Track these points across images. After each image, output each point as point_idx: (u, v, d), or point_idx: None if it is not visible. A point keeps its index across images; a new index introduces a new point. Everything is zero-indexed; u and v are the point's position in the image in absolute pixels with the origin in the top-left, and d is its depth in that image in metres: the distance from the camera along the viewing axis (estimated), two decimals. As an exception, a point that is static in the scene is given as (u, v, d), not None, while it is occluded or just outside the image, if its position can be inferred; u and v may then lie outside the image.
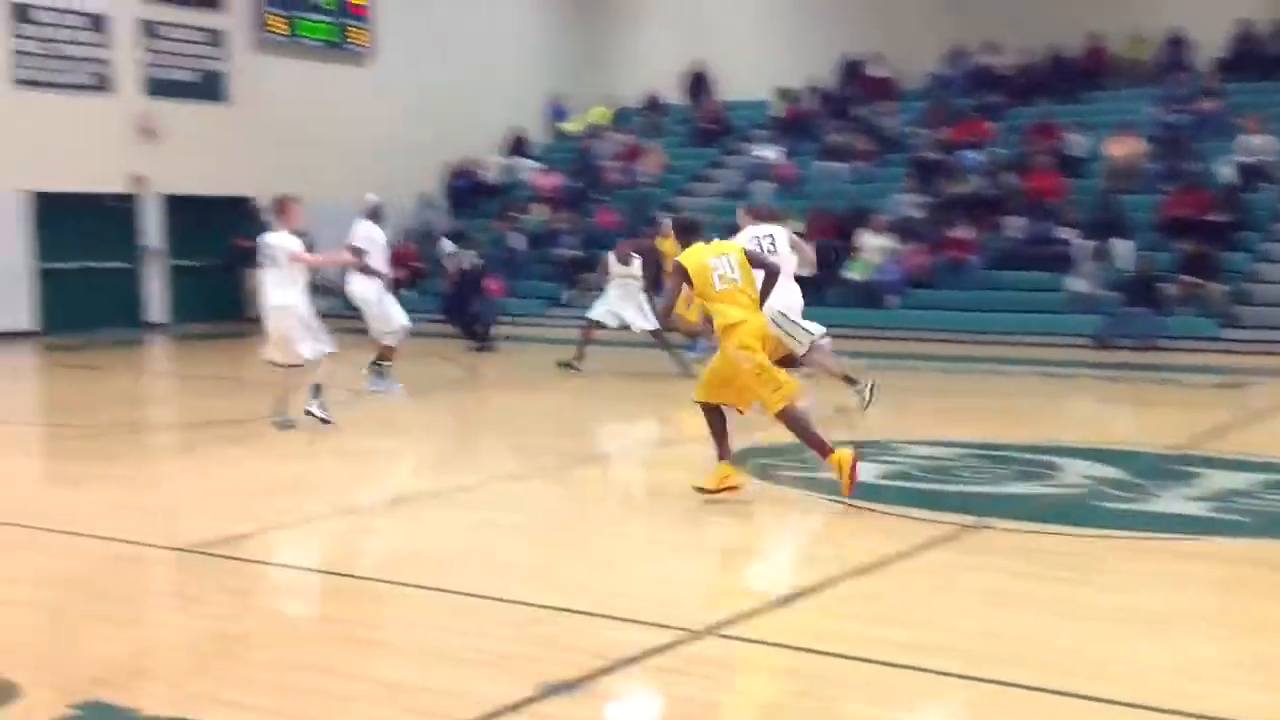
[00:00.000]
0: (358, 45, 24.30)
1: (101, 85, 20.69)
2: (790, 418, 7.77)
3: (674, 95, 27.22)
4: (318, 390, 10.65)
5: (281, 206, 10.84)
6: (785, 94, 25.41)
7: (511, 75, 26.97)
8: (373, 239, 12.79)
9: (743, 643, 5.33)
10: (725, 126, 25.98)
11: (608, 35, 28.66)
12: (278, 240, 10.57)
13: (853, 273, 19.67)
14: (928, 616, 5.64)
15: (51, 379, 16.62)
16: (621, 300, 14.87)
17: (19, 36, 19.66)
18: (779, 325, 9.60)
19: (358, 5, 24.20)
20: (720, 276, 7.80)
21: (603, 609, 5.74)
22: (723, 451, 7.89)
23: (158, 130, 21.18)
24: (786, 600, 5.96)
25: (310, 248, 11.55)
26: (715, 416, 7.94)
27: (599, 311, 14.97)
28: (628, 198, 24.00)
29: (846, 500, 7.59)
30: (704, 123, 26.15)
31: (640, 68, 27.86)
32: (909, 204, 20.95)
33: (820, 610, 5.83)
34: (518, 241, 23.70)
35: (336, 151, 23.36)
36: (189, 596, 6.33)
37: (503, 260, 23.21)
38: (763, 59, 26.13)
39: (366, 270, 12.53)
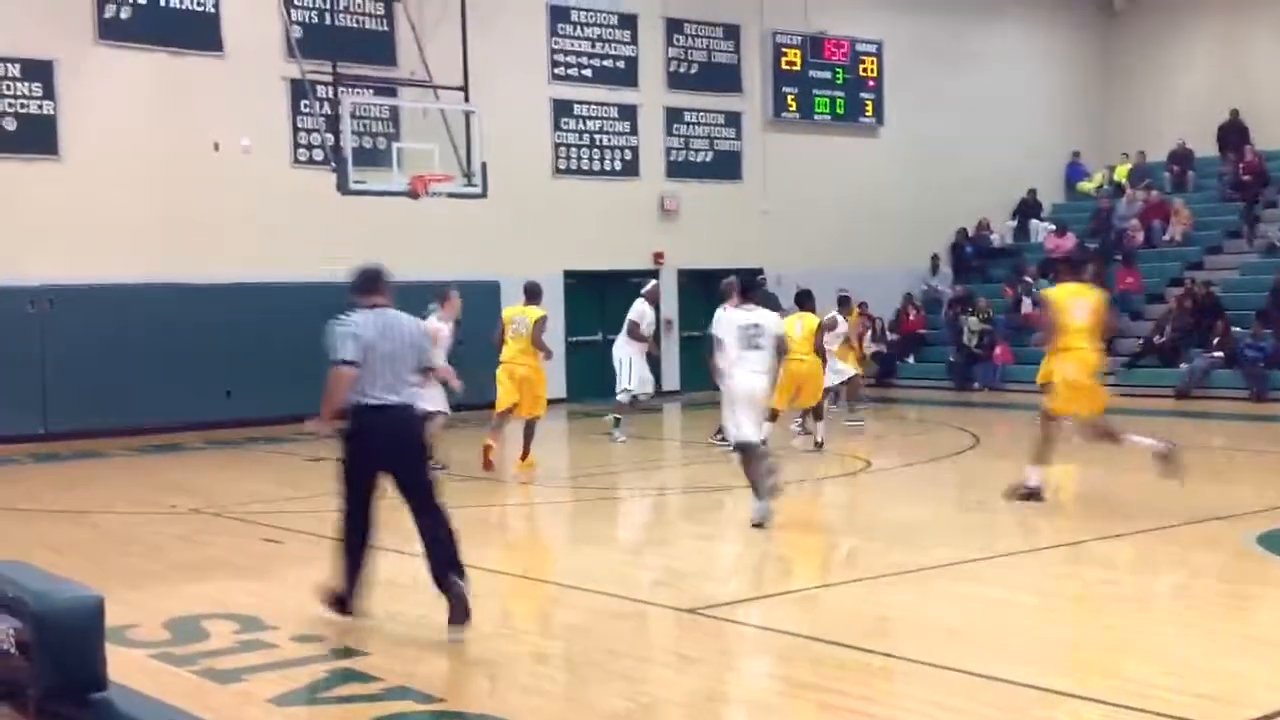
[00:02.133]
0: (867, 116, 24.55)
1: (630, 170, 22.18)
2: None
3: (1203, 148, 25.33)
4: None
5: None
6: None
7: (1024, 136, 26.20)
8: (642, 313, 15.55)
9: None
10: (1264, 178, 23.79)
11: (1131, 90, 27.19)
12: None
13: None
14: None
15: (570, 441, 17.70)
16: None
17: (559, 130, 21.50)
18: None
19: (869, 77, 24.47)
20: None
21: (1119, 698, 5.23)
22: None
23: (676, 209, 22.39)
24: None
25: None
26: None
27: None
28: (1151, 258, 22.50)
29: None
30: (1241, 175, 24.10)
31: (1166, 122, 26.18)
32: None
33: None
34: (1029, 306, 22.80)
35: (845, 221, 23.64)
36: (687, 656, 6.43)
37: (1012, 325, 22.48)
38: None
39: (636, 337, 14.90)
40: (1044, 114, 26.74)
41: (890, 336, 23.87)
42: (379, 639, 6.56)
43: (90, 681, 2.87)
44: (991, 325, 22.29)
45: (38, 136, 16.85)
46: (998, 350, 21.86)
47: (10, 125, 16.73)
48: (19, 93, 16.80)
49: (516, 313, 13.34)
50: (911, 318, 24.11)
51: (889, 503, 11.14)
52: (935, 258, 25.29)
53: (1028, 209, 26.25)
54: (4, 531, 10.68)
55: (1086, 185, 26.69)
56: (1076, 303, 10.06)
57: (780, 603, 7.58)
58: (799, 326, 13.53)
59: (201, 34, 17.92)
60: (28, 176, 16.79)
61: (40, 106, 16.92)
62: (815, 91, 23.88)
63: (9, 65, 16.70)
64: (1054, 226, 24.99)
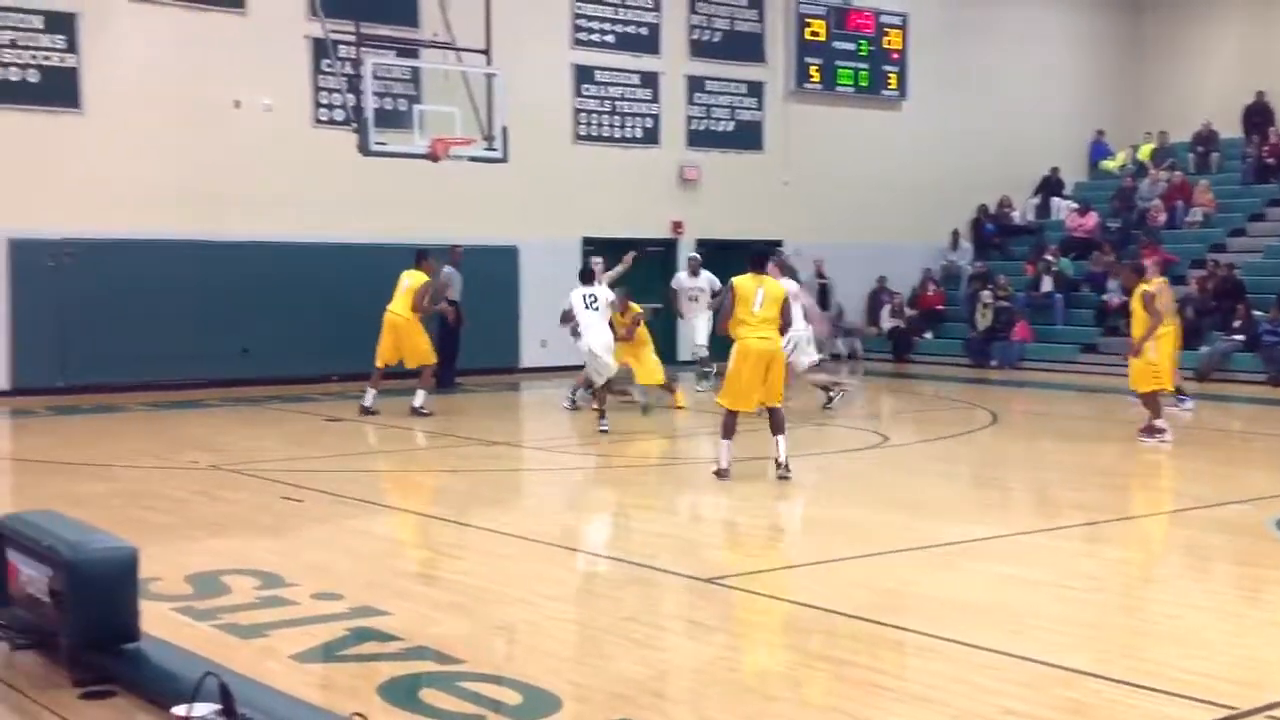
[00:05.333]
0: (890, 89, 24.38)
1: (650, 139, 22.07)
2: None
3: (1228, 129, 25.13)
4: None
5: None
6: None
7: (1048, 114, 26.02)
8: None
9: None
10: (1289, 161, 23.62)
11: (1158, 70, 26.96)
12: None
13: None
14: None
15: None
16: None
17: (580, 96, 21.40)
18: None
19: (893, 50, 24.30)
20: None
21: (1139, 678, 5.22)
22: None
23: (696, 179, 22.30)
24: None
25: None
26: None
27: None
28: (1173, 238, 22.38)
29: None
30: (1265, 158, 23.91)
31: (1191, 102, 25.97)
32: None
33: None
34: (1049, 285, 22.73)
35: (865, 195, 23.53)
36: (703, 624, 6.44)
37: (1033, 304, 22.40)
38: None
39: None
40: (1068, 92, 26.54)
41: (909, 312, 23.80)
42: (399, 599, 6.58)
43: (122, 632, 2.87)
44: (1011, 303, 22.19)
45: (60, 89, 16.83)
46: (1016, 328, 21.77)
47: (34, 77, 16.71)
48: (42, 44, 16.76)
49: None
50: (930, 293, 24.03)
51: (905, 478, 11.12)
52: (955, 233, 25.17)
53: (1050, 186, 26.09)
54: (26, 484, 10.74)
55: (1109, 164, 26.51)
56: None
57: (796, 574, 7.58)
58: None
59: (225, -10, 17.85)
60: (50, 129, 16.78)
61: (62, 59, 16.88)
62: (839, 63, 23.71)
63: (32, 17, 16.66)
64: (1076, 205, 24.86)
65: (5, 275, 15.99)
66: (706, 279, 17.01)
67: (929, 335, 23.51)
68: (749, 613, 6.78)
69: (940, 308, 23.95)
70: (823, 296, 23.02)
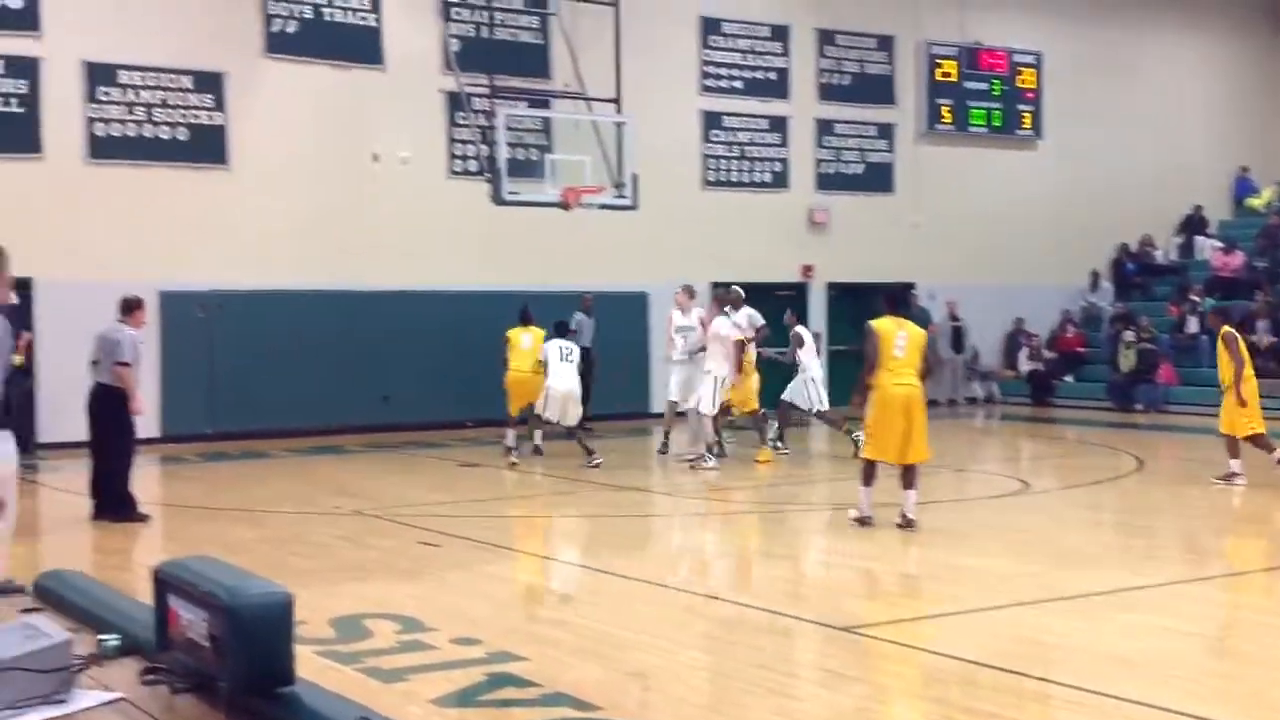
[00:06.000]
0: (1025, 128, 24.03)
1: (779, 183, 22.07)
2: None
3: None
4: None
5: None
6: None
7: (1189, 149, 25.36)
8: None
9: None
10: None
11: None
12: None
13: None
14: None
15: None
16: None
17: (709, 142, 21.51)
18: None
19: (1026, 88, 23.97)
20: None
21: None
22: None
23: (825, 222, 22.22)
24: None
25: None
26: None
27: None
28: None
29: None
30: None
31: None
32: None
33: None
34: (1194, 326, 22.07)
35: (1000, 236, 23.19)
36: (838, 673, 6.36)
37: (1178, 346, 21.77)
38: None
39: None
40: (1208, 127, 25.84)
41: (1047, 354, 23.31)
42: (535, 645, 6.63)
43: (279, 676, 2.95)
44: (1154, 344, 21.60)
45: (208, 146, 17.50)
46: (1161, 370, 21.17)
47: (183, 135, 17.41)
48: (191, 104, 17.46)
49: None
50: (1069, 335, 23.52)
51: (1047, 526, 10.86)
52: (1095, 274, 24.61)
53: (1193, 225, 25.40)
54: (178, 530, 11.11)
55: (1255, 201, 25.70)
56: None
57: (934, 624, 7.45)
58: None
59: (364, 47, 18.42)
60: (199, 185, 17.45)
61: (210, 117, 17.57)
62: (971, 103, 23.47)
63: (183, 77, 17.38)
64: (1221, 244, 24.14)
65: (156, 326, 16.61)
66: (746, 315, 15.35)
67: (1069, 378, 22.99)
68: (887, 662, 6.68)
69: (1080, 350, 23.42)
70: (957, 338, 22.73)
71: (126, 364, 10.68)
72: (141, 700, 3.16)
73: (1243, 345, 12.43)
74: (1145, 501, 12.51)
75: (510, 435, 14.68)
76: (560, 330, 14.74)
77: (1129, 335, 21.73)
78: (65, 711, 3.00)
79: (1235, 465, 12.17)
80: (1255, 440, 12.22)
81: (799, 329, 15.75)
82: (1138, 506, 12.25)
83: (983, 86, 23.59)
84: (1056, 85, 24.12)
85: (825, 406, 14.99)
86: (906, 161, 23.03)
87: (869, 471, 10.06)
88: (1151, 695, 5.58)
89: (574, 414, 14.18)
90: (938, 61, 23.14)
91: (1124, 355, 21.62)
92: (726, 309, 14.54)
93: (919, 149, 23.12)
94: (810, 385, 15.09)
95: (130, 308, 11.02)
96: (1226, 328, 12.53)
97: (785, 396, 15.20)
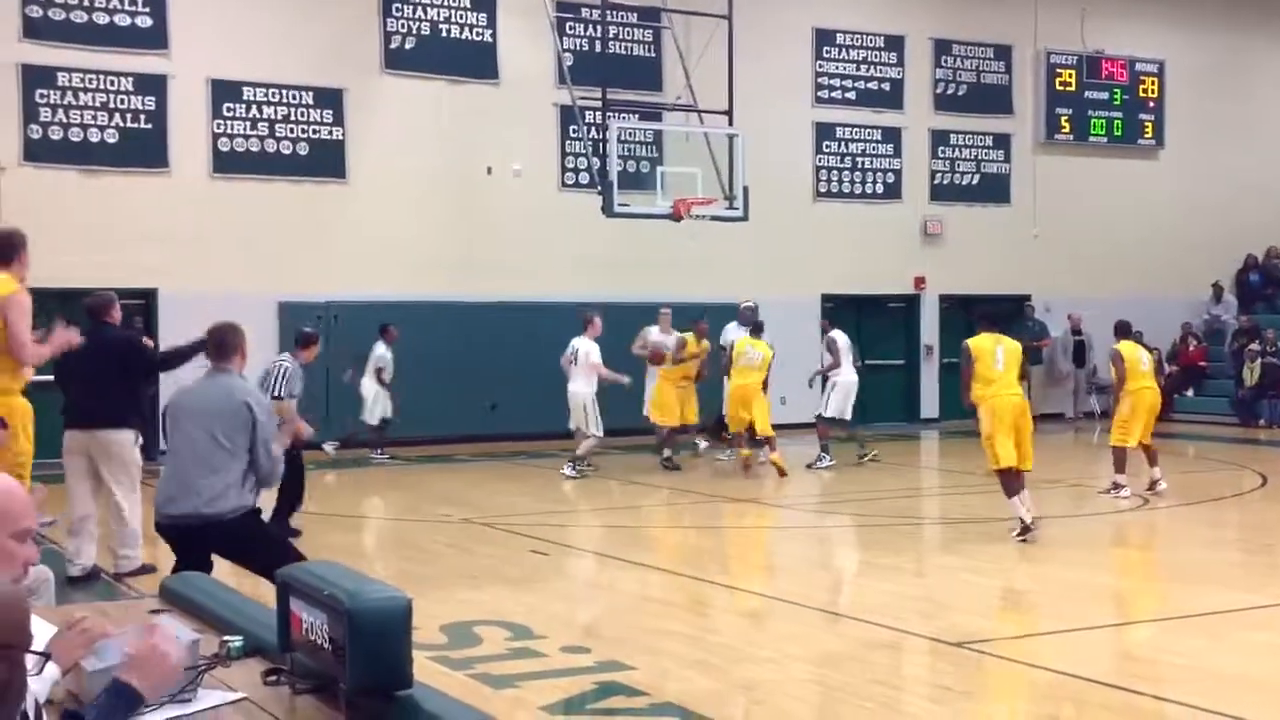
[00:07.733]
0: (1146, 138, 23.51)
1: (892, 193, 21.89)
2: None
3: None
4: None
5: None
6: None
7: (1318, 159, 24.59)
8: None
9: None
10: None
11: None
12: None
13: None
14: None
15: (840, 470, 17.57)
16: None
17: (821, 153, 21.41)
18: None
19: (1149, 97, 23.45)
20: None
21: None
22: None
23: (940, 233, 21.96)
24: None
25: None
26: None
27: None
28: None
29: None
30: None
31: None
32: None
33: None
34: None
35: (1119, 247, 22.69)
36: (950, 689, 6.29)
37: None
38: None
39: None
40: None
41: (1168, 368, 22.73)
42: (645, 654, 6.66)
43: (398, 679, 3.01)
44: (1280, 359, 20.95)
45: (327, 161, 17.90)
46: (1282, 385, 20.54)
47: (303, 150, 17.84)
48: (311, 119, 17.89)
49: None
50: (1191, 349, 22.92)
51: (1167, 543, 10.62)
52: (1218, 286, 23.95)
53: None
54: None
55: (1390, 210, 24.80)
56: None
57: (1048, 640, 7.33)
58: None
59: (479, 63, 18.70)
60: (318, 198, 17.85)
61: (331, 132, 17.97)
62: (1091, 113, 23.03)
63: (303, 93, 17.81)
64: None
65: (274, 336, 17.01)
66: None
67: (1190, 393, 22.39)
68: (998, 678, 6.59)
69: (1202, 364, 22.81)
70: (1079, 353, 22.22)
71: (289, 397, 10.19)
72: (264, 700, 3.25)
73: None
74: (1269, 519, 12.14)
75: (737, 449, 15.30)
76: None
77: (1254, 349, 21.11)
78: (191, 710, 3.11)
79: None
80: None
81: (835, 333, 15.68)
82: (1261, 524, 11.89)
83: (1103, 96, 23.12)
84: (1179, 94, 23.56)
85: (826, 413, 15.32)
86: (1023, 172, 22.67)
87: (1009, 482, 9.98)
88: (1271, 716, 5.43)
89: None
90: (1057, 71, 22.75)
91: (1249, 369, 21.01)
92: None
93: (1037, 159, 22.74)
94: (834, 391, 15.14)
95: (307, 341, 10.76)
96: None
97: (824, 412, 15.22)
